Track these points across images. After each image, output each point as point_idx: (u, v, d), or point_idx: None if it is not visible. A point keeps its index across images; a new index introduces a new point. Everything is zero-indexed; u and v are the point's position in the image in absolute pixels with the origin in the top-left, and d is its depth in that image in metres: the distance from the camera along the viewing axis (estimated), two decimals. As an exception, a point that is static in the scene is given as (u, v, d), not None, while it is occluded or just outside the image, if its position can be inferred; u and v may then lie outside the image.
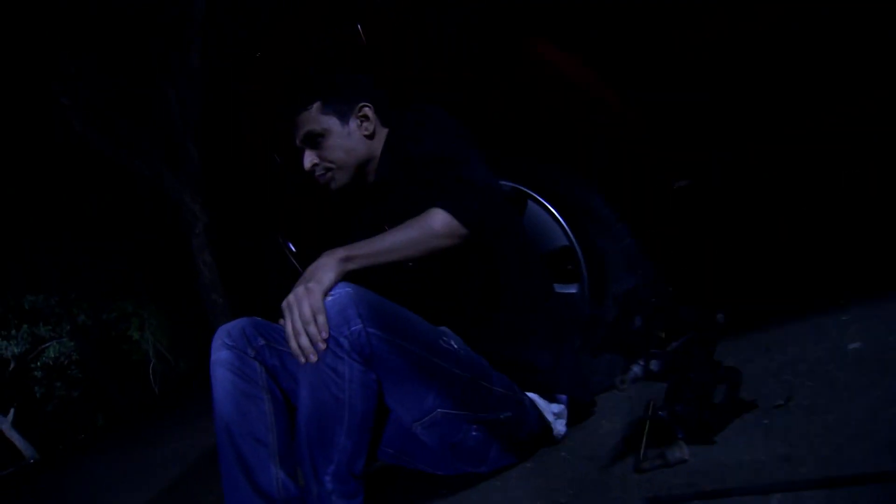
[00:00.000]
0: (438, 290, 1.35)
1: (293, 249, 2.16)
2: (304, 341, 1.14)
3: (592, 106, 1.40)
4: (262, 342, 1.35)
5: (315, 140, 1.41)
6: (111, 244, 9.87)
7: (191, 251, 6.13)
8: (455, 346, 1.20)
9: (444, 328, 1.25)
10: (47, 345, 12.79)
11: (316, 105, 1.42)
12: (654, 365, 0.99)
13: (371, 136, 1.45)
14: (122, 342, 12.81)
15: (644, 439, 1.01)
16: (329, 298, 1.13)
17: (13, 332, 12.18)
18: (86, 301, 12.22)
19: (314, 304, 1.14)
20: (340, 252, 1.18)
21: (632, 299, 1.06)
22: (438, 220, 1.20)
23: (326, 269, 1.17)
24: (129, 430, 7.93)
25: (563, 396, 1.32)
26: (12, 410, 11.56)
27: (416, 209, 1.24)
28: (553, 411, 1.30)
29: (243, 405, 1.31)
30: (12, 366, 12.29)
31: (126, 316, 12.61)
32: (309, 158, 1.42)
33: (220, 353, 1.33)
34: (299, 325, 1.13)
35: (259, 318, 1.43)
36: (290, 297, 1.15)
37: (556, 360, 1.31)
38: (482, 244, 1.26)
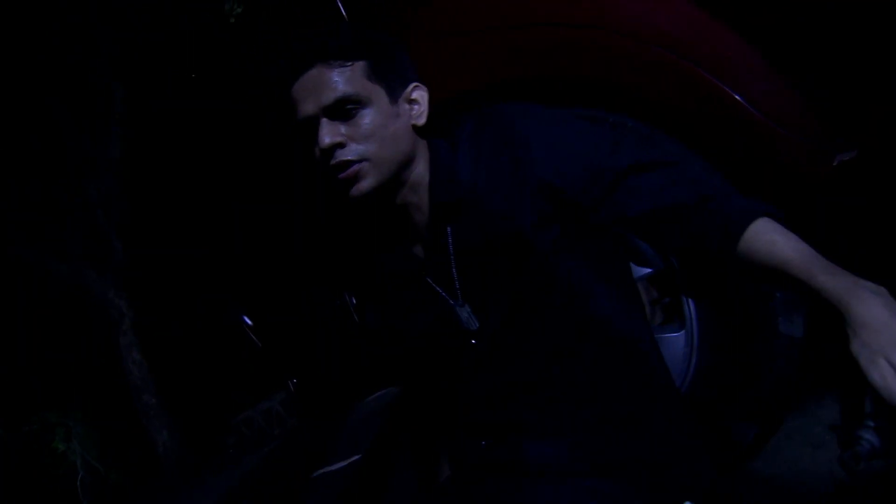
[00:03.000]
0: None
1: (250, 323, 1.86)
2: None
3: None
4: None
5: (348, 110, 0.96)
6: (29, 350, 9.31)
7: (118, 351, 5.79)
8: None
9: None
10: (-41, 466, 11.82)
11: (361, 64, 0.97)
12: None
13: (419, 131, 1.02)
14: (45, 455, 11.90)
15: None
16: None
17: (-79, 455, 11.22)
18: (5, 414, 11.42)
19: None
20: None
21: None
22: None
23: None
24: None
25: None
26: (-78, 543, 10.50)
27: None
28: None
29: None
30: (-79, 494, 11.26)
31: (50, 426, 11.74)
32: (331, 132, 0.95)
33: None
34: None
35: None
36: None
37: (689, 444, 0.92)
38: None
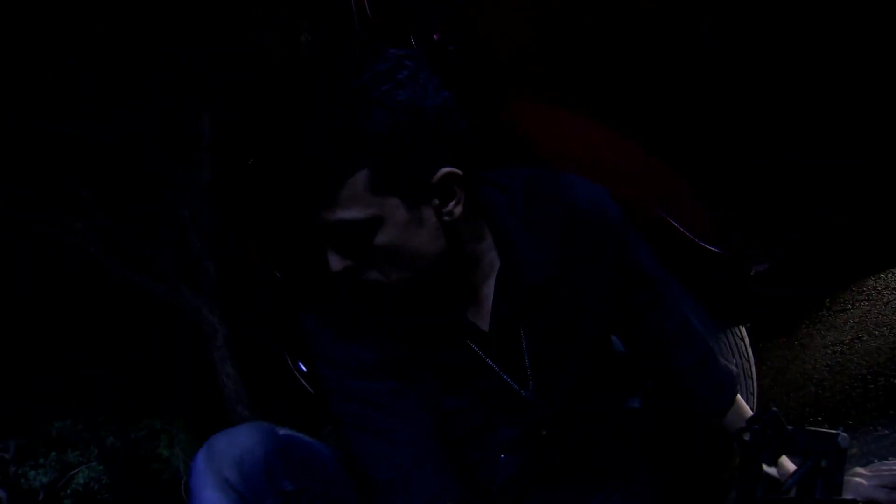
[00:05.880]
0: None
1: (304, 370, 1.98)
2: None
3: None
4: (289, 486, 0.81)
5: (350, 236, 0.77)
6: (135, 364, 9.85)
7: (213, 365, 6.03)
8: None
9: None
10: (76, 471, 12.63)
11: (362, 176, 0.74)
12: None
13: (454, 227, 0.80)
14: (152, 461, 12.57)
15: None
16: None
17: (41, 460, 12.07)
18: (113, 423, 12.13)
19: None
20: None
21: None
22: None
23: None
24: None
25: None
26: (44, 542, 11.28)
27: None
28: None
29: None
30: (41, 496, 12.11)
31: (155, 433, 12.41)
32: (337, 257, 0.78)
33: (211, 496, 0.78)
34: None
35: (288, 432, 0.88)
36: None
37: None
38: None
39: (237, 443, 0.80)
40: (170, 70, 4.14)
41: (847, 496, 0.77)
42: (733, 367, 1.00)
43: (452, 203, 0.78)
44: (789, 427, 0.75)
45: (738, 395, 0.96)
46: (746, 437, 0.75)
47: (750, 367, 1.22)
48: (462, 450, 0.89)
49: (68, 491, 12.88)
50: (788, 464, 0.78)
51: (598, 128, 1.13)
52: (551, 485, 0.91)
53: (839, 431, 0.71)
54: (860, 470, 0.81)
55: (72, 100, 4.42)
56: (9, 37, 3.96)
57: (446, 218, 0.79)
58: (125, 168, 4.86)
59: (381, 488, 0.83)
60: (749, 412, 0.93)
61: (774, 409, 0.77)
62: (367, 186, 0.75)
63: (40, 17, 4.01)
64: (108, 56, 4.23)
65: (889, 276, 1.79)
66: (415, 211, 0.77)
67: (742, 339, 1.24)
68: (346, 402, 0.85)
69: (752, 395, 1.25)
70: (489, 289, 0.86)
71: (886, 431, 1.14)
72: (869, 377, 1.36)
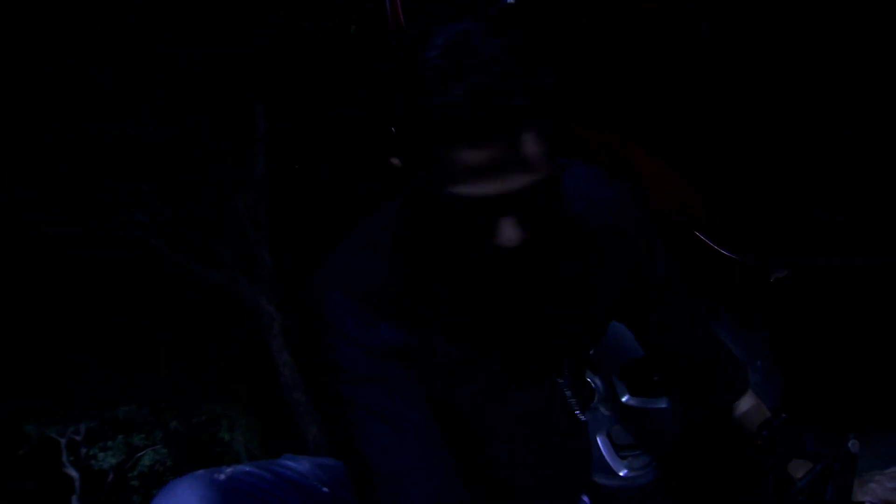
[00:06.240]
0: None
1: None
2: None
3: None
4: None
5: (534, 203, 0.68)
6: (195, 351, 10.12)
7: (270, 353, 6.14)
8: None
9: None
10: (142, 453, 13.10)
11: (531, 134, 0.66)
12: None
13: None
14: (213, 445, 12.98)
15: None
16: None
17: (109, 443, 12.56)
18: (176, 407, 12.53)
19: None
20: None
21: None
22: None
23: None
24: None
25: None
26: (113, 521, 11.75)
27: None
28: None
29: None
30: (111, 477, 12.61)
31: (216, 418, 12.80)
32: (518, 229, 0.69)
33: None
34: None
35: (229, 472, 0.87)
36: None
37: None
38: None
39: (186, 497, 0.78)
40: (220, 67, 4.20)
41: (863, 499, 0.79)
42: (744, 364, 1.01)
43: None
44: (800, 431, 0.78)
45: (756, 398, 0.96)
46: (758, 441, 0.77)
47: (772, 371, 1.22)
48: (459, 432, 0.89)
49: (135, 472, 13.44)
50: (799, 467, 0.79)
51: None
52: (541, 469, 0.95)
53: (850, 436, 0.74)
54: (877, 473, 0.81)
55: (124, 102, 4.53)
56: (8, 37, 4.06)
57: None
58: (183, 162, 4.97)
59: (384, 483, 0.78)
60: (766, 414, 0.92)
61: (785, 414, 0.78)
62: (536, 142, 0.67)
63: (50, 16, 4.10)
64: (132, 56, 4.32)
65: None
66: (555, 171, 0.69)
67: (764, 344, 1.27)
68: (359, 383, 0.82)
69: (775, 400, 1.25)
70: None
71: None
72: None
